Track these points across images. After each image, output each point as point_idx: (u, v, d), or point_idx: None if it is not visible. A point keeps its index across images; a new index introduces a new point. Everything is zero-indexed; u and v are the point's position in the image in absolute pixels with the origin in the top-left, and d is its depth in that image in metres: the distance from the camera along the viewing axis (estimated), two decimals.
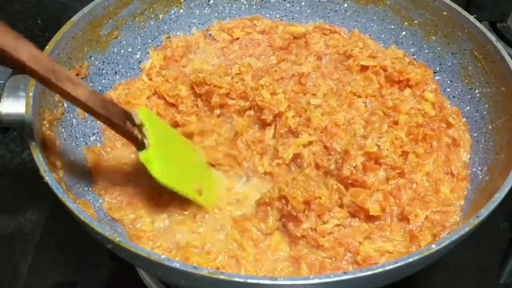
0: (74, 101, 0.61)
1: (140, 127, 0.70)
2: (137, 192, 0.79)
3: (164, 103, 0.91)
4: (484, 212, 0.64)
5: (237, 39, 1.01)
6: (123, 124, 0.67)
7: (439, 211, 0.75)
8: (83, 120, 0.86)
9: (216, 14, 1.05)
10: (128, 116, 0.68)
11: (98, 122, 0.88)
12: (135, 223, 0.76)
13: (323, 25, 1.03)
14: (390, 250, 0.70)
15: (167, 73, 0.95)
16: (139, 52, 0.98)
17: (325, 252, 0.71)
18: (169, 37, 1.01)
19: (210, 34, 1.03)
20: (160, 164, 0.72)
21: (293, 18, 1.07)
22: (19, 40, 0.52)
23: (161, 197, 0.79)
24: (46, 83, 0.57)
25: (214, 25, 1.03)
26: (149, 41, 1.00)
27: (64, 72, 0.59)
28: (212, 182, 0.82)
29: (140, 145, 0.71)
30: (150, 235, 0.74)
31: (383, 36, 1.02)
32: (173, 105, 0.91)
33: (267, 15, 1.06)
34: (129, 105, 0.90)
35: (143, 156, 0.71)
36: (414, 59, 0.98)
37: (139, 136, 0.70)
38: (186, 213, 0.78)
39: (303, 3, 1.06)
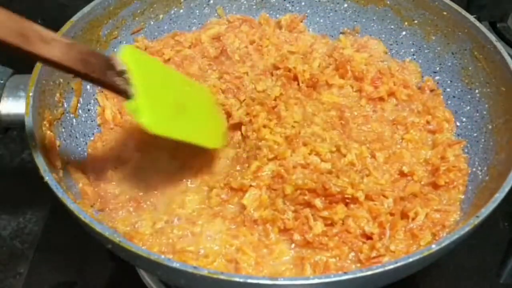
0: (50, 63, 0.55)
1: (121, 74, 0.62)
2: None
3: None
4: (484, 212, 0.64)
5: (169, 59, 0.96)
6: (103, 76, 0.60)
7: (439, 209, 0.75)
8: (76, 117, 0.86)
9: (216, 14, 1.05)
10: (109, 65, 0.61)
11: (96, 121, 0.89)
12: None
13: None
14: (392, 249, 0.70)
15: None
16: None
17: (329, 251, 0.71)
18: None
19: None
20: (151, 112, 0.64)
21: None
22: None
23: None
24: (14, 50, 0.49)
25: (138, 44, 0.98)
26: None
27: (34, 28, 0.51)
28: (218, 120, 0.76)
29: (127, 95, 0.63)
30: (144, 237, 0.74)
31: (383, 36, 1.02)
32: None
33: (267, 15, 1.06)
34: None
35: (128, 106, 0.63)
36: (414, 59, 0.99)
37: (122, 86, 0.62)
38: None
39: (303, 3, 1.06)
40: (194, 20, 1.04)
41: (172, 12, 1.02)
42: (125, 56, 0.63)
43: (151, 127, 0.63)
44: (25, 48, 0.49)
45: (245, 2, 1.06)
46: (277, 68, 0.93)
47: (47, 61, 0.54)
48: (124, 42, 0.96)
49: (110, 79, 0.60)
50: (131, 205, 0.78)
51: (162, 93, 0.67)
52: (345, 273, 0.57)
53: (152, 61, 0.73)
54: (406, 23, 0.99)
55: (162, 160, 0.82)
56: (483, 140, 0.84)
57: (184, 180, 0.80)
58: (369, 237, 0.72)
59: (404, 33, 1.00)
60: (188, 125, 0.69)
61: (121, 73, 0.62)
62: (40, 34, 0.51)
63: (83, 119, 0.87)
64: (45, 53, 0.52)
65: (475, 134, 0.86)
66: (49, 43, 0.52)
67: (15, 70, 0.82)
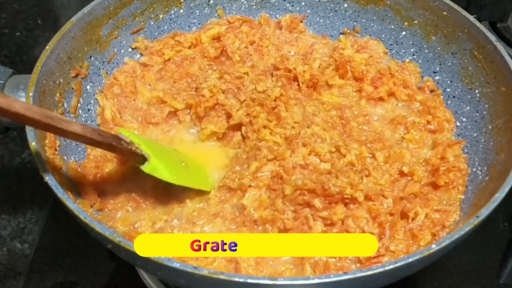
0: (74, 136, 0.64)
1: (131, 144, 0.71)
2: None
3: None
4: (484, 212, 0.64)
5: (169, 59, 0.96)
6: (119, 144, 0.69)
7: (439, 210, 0.75)
8: (76, 117, 0.87)
9: (216, 14, 1.05)
10: (118, 137, 0.70)
11: (96, 125, 0.89)
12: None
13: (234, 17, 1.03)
14: (391, 249, 0.70)
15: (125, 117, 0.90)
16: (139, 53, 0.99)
17: None
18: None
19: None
20: (166, 169, 0.74)
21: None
22: (8, 97, 0.55)
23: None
24: (46, 127, 0.60)
25: (138, 44, 0.98)
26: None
27: (55, 114, 0.62)
28: (202, 169, 0.84)
29: (140, 160, 0.72)
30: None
31: (383, 36, 1.02)
32: None
33: (267, 15, 1.06)
34: None
35: (148, 168, 0.73)
36: (414, 59, 0.99)
37: (138, 150, 0.71)
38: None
39: (303, 3, 1.06)
40: (194, 20, 1.04)
41: (172, 12, 1.02)
42: (125, 132, 0.73)
43: (169, 179, 0.74)
44: (54, 125, 0.60)
45: (245, 2, 1.06)
46: (277, 69, 0.93)
47: (71, 134, 0.63)
48: (124, 42, 0.97)
49: (126, 147, 0.70)
50: (130, 205, 0.78)
51: (165, 155, 0.78)
52: (345, 273, 0.57)
53: (141, 136, 0.84)
54: (406, 23, 0.99)
55: None
56: (483, 140, 0.84)
57: None
58: None
59: (404, 33, 1.00)
60: (188, 176, 0.79)
61: (130, 143, 0.71)
62: (60, 117, 0.62)
63: (83, 119, 0.87)
64: (69, 128, 0.62)
65: (475, 134, 0.86)
66: (68, 122, 0.62)
67: (15, 70, 0.82)
